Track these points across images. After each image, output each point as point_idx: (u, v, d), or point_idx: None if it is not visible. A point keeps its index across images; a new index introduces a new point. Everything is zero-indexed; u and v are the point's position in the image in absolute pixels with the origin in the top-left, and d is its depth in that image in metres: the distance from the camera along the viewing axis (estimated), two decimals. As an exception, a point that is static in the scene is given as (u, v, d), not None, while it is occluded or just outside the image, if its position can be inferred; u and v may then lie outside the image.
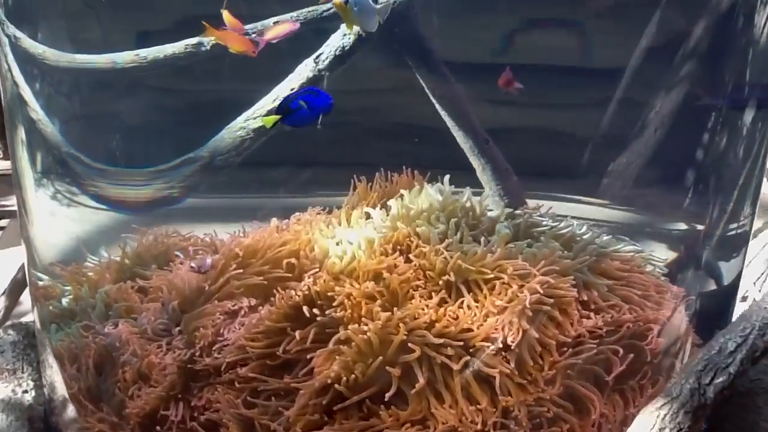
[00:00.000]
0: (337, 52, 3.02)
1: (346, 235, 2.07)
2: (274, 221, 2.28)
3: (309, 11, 2.31)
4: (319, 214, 2.30)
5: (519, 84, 2.03)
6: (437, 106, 3.49)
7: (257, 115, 3.64)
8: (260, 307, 1.95)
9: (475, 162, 3.45)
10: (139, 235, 2.37)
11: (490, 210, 2.19)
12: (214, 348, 1.90)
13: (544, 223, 2.21)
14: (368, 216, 2.15)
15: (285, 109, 1.56)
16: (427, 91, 2.79)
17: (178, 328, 1.98)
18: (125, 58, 2.50)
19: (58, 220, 2.36)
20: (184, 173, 4.09)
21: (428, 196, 2.18)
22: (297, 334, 1.83)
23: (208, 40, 2.26)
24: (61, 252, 2.38)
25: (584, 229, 2.17)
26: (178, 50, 2.65)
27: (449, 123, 3.30)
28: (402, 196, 2.25)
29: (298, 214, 2.29)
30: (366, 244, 1.99)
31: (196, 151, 3.87)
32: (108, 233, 2.37)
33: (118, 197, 2.41)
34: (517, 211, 2.20)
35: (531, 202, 2.28)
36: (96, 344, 2.03)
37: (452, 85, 3.29)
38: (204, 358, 1.88)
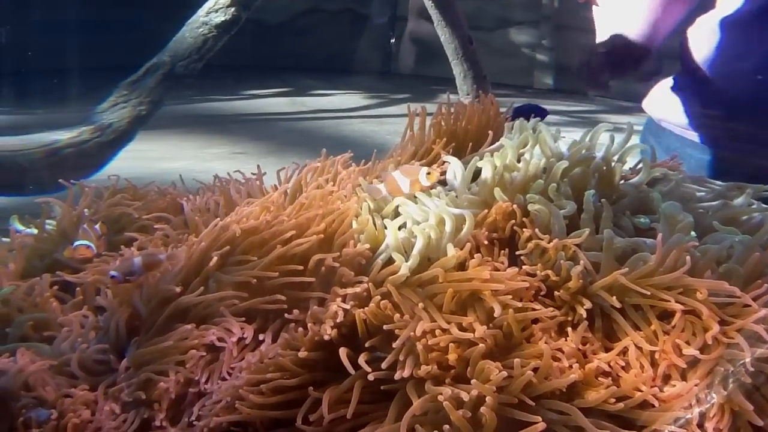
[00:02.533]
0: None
1: (410, 210, 1.24)
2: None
3: None
4: (350, 166, 1.45)
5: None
6: None
7: (219, 6, 2.94)
8: (262, 335, 1.15)
9: (457, 68, 2.94)
10: (68, 194, 1.52)
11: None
12: (183, 406, 1.10)
13: (698, 192, 1.41)
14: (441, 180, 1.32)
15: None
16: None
17: (126, 363, 1.17)
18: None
19: None
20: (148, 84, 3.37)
21: (539, 147, 1.34)
22: (327, 395, 1.04)
23: None
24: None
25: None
26: None
27: (435, 17, 2.84)
28: (493, 149, 1.43)
29: (310, 163, 1.45)
30: (449, 228, 1.18)
31: (158, 56, 3.14)
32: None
33: None
34: (659, 169, 1.38)
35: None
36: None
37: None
38: (167, 428, 1.08)
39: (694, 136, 1.96)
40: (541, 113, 1.60)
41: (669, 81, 2.03)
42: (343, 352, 1.05)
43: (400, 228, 1.20)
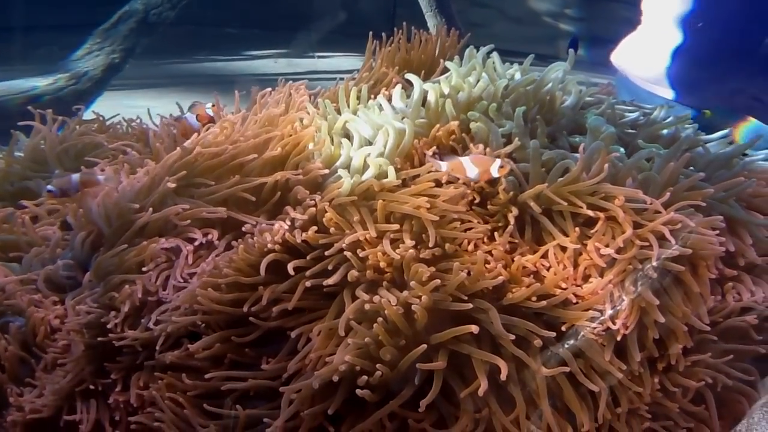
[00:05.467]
0: None
1: (357, 126, 1.32)
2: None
3: None
4: (302, 89, 1.52)
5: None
6: None
7: None
8: (218, 242, 1.23)
9: (431, 20, 2.94)
10: (37, 121, 1.58)
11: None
12: (143, 313, 1.19)
13: (630, 109, 1.49)
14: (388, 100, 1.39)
15: None
16: None
17: (88, 276, 1.25)
18: None
19: None
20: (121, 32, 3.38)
21: (484, 72, 1.41)
22: (268, 291, 1.13)
23: None
24: None
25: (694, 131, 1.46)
26: None
27: None
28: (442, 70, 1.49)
29: (269, 90, 1.51)
30: (393, 143, 1.25)
31: (130, 4, 3.14)
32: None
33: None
34: (591, 92, 1.46)
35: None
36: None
37: None
38: (126, 330, 1.17)
39: (665, 92, 2.00)
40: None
41: (638, 34, 2.05)
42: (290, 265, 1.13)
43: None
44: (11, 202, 1.50)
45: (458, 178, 1.20)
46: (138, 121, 1.74)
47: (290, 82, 1.50)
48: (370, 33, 1.62)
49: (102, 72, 3.28)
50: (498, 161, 1.17)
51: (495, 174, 1.17)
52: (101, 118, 1.73)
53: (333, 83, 1.58)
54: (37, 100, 3.06)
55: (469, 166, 1.18)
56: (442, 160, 1.20)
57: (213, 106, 1.48)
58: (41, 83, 3.16)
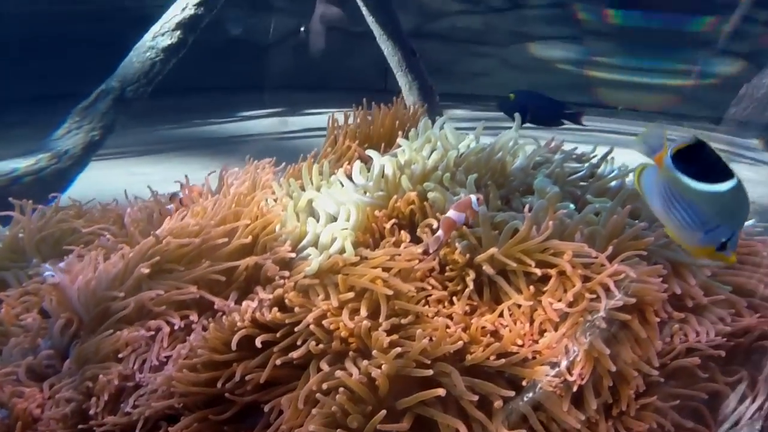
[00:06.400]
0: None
1: (322, 203, 1.39)
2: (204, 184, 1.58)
3: None
4: (267, 167, 1.60)
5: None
6: (363, 11, 3.05)
7: (165, 30, 3.02)
8: (195, 324, 1.29)
9: (402, 79, 3.07)
10: (17, 211, 1.64)
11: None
12: (122, 398, 1.23)
13: (578, 167, 1.57)
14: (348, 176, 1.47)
15: None
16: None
17: (68, 363, 1.30)
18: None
19: None
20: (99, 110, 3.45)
21: (439, 142, 1.50)
22: (241, 367, 1.19)
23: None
24: None
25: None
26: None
27: (376, 32, 2.96)
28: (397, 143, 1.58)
29: (235, 169, 1.60)
30: (355, 218, 1.33)
31: (107, 82, 3.22)
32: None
33: None
34: (541, 151, 1.55)
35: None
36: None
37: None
38: (106, 416, 1.21)
39: None
40: (544, 103, 1.64)
41: None
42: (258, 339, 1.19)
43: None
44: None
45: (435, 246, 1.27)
46: (114, 203, 1.80)
47: (255, 161, 1.58)
48: (331, 115, 1.71)
49: (82, 150, 3.33)
50: (473, 197, 1.29)
51: (476, 207, 1.28)
52: (78, 204, 1.79)
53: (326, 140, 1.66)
54: (18, 181, 3.12)
55: (456, 215, 1.28)
56: (434, 232, 1.29)
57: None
58: (22, 164, 3.22)
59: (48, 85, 4.23)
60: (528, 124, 1.83)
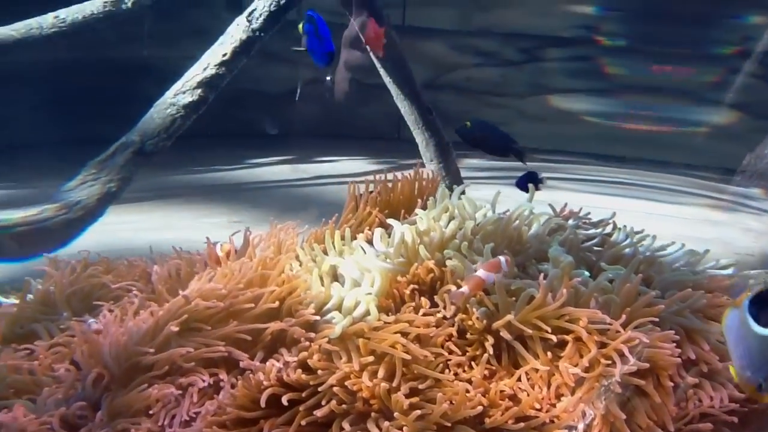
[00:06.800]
0: (272, 8, 2.58)
1: (346, 269, 1.46)
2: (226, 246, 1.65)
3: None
4: (291, 230, 1.67)
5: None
6: (381, 71, 3.17)
7: (187, 88, 3.14)
8: (224, 382, 1.34)
9: (419, 137, 3.15)
10: (49, 267, 1.71)
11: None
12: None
13: (592, 233, 1.64)
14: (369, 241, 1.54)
15: None
16: (372, 55, 2.68)
17: (100, 416, 1.34)
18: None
19: None
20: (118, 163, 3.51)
21: (456, 211, 1.58)
22: (267, 425, 1.23)
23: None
24: None
25: (652, 242, 1.61)
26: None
27: (393, 91, 3.06)
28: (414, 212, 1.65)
29: (259, 233, 1.67)
30: (380, 284, 1.40)
31: (127, 135, 3.32)
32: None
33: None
34: (555, 219, 1.62)
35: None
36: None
37: (397, 48, 2.95)
38: (138, 471, 1.25)
39: None
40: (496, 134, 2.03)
41: None
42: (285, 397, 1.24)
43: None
44: (18, 344, 1.60)
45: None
46: (140, 259, 1.87)
47: (279, 225, 1.65)
48: (349, 184, 1.78)
49: (97, 200, 3.37)
50: (501, 258, 1.36)
51: (505, 267, 1.34)
52: (106, 259, 1.86)
53: (339, 187, 1.72)
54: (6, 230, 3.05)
55: (485, 275, 1.34)
56: (459, 288, 1.35)
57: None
58: (15, 216, 3.15)
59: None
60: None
